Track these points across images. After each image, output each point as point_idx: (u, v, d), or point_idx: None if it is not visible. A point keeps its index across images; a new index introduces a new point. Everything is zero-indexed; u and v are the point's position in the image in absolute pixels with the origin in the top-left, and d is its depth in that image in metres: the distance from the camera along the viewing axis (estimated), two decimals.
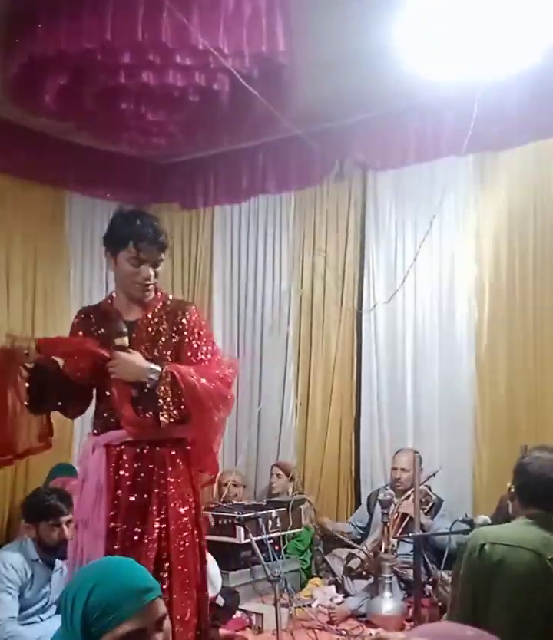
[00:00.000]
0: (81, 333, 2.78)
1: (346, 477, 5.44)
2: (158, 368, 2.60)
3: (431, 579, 4.10)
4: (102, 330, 2.73)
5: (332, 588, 4.55)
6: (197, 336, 2.76)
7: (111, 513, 2.62)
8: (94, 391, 2.82)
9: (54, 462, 5.53)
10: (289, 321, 5.76)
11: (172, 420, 2.59)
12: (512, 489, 2.56)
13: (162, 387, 2.58)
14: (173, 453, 2.70)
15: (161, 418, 2.58)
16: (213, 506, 4.67)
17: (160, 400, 2.57)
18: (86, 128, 4.63)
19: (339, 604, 4.32)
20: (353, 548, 4.65)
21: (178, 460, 2.71)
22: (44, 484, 4.49)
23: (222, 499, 5.13)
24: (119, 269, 2.75)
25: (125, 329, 2.65)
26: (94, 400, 2.86)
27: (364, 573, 4.49)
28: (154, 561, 2.58)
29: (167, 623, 1.69)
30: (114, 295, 2.84)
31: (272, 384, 5.81)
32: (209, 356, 2.77)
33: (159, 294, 2.81)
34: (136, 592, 1.63)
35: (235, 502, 5.02)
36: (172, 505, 2.65)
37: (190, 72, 3.69)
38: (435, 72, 3.55)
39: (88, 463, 2.71)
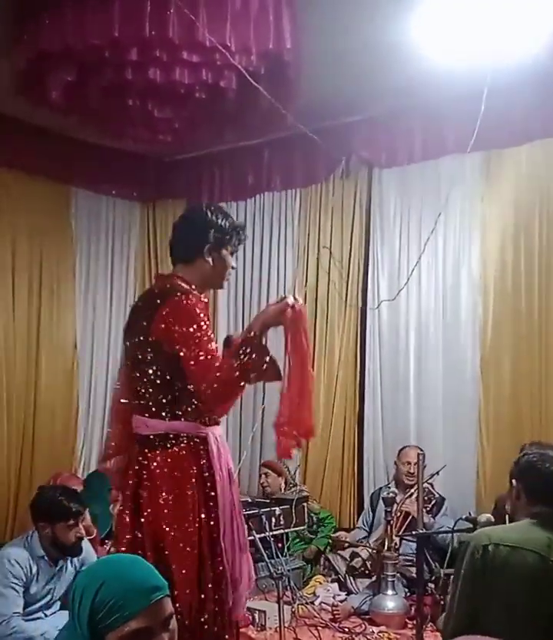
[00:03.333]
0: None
1: (349, 475, 5.45)
2: None
3: (433, 578, 4.10)
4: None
5: (335, 585, 4.56)
6: None
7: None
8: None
9: (55, 460, 5.57)
10: None
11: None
12: (516, 488, 2.55)
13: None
14: None
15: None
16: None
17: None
18: (92, 124, 4.61)
19: (341, 602, 4.33)
20: (357, 546, 4.66)
21: None
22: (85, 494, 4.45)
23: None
24: (219, 263, 2.76)
25: None
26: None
27: (367, 571, 4.51)
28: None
29: (173, 622, 1.70)
30: (189, 285, 2.71)
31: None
32: None
33: None
34: (143, 590, 1.64)
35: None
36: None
37: (197, 69, 3.68)
38: (442, 66, 3.53)
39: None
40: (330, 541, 4.99)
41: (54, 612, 3.62)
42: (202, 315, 2.56)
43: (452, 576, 2.68)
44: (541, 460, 2.49)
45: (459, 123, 4.74)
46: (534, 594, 2.29)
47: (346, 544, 4.77)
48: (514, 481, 2.53)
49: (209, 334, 2.53)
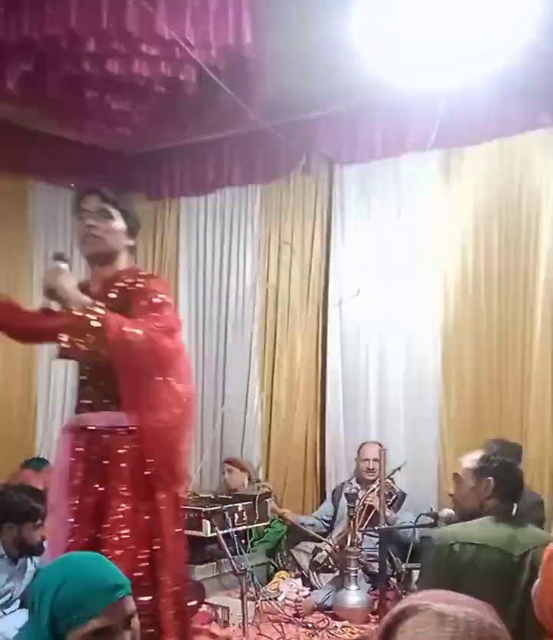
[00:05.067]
0: None
1: (312, 471, 5.45)
2: None
3: (395, 572, 4.13)
4: None
5: (299, 581, 4.57)
6: None
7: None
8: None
9: (12, 458, 5.47)
10: (254, 315, 5.74)
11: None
12: (489, 485, 2.57)
13: None
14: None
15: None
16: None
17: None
18: (51, 116, 4.56)
19: (305, 597, 4.34)
20: (319, 541, 4.67)
21: None
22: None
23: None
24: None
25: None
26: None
27: (330, 566, 4.52)
28: None
29: (135, 621, 1.68)
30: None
31: (236, 377, 5.79)
32: None
33: None
34: (105, 589, 1.62)
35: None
36: None
37: (156, 62, 3.66)
38: (396, 71, 3.53)
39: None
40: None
41: (13, 611, 3.57)
42: None
43: (418, 573, 2.70)
44: (514, 461, 2.64)
45: (420, 121, 4.76)
46: (502, 590, 2.34)
47: (316, 536, 4.75)
48: (490, 479, 2.56)
49: None
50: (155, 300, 2.60)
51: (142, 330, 2.45)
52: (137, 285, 2.66)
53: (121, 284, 2.71)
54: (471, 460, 2.68)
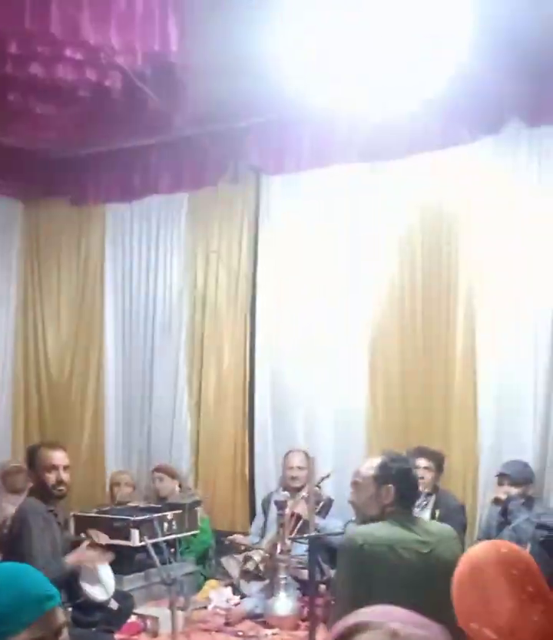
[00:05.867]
0: None
1: (240, 478, 5.45)
2: None
3: (325, 579, 4.14)
4: None
5: (229, 590, 4.56)
6: None
7: None
8: None
9: None
10: (182, 322, 5.71)
11: None
12: (388, 491, 2.63)
13: None
14: None
15: None
16: (107, 508, 4.59)
17: None
18: None
19: (235, 605, 4.33)
20: (249, 550, 4.65)
21: None
22: None
23: (115, 502, 5.04)
24: None
25: None
26: None
27: (260, 574, 4.51)
28: None
29: (65, 632, 1.65)
30: None
31: (164, 384, 5.75)
32: None
33: None
34: (35, 599, 1.59)
35: (130, 503, 4.94)
36: None
37: (81, 66, 3.61)
38: (317, 86, 3.56)
39: None
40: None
41: None
42: None
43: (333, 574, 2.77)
44: (411, 468, 2.74)
45: (346, 134, 4.82)
46: (415, 588, 2.41)
47: (243, 547, 4.75)
48: (390, 485, 2.63)
49: None
50: None
51: None
52: None
53: None
54: (369, 467, 2.74)
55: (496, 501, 4.18)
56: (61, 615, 1.65)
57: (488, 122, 4.56)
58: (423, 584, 2.43)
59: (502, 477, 4.28)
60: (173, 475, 5.24)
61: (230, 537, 4.94)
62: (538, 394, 4.48)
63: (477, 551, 1.90)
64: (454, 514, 4.32)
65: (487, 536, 4.25)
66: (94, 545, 3.74)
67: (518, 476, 4.25)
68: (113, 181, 5.92)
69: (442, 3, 2.90)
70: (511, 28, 3.84)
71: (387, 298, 4.97)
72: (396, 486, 2.64)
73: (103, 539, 3.83)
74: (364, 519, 2.74)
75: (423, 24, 2.94)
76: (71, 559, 3.57)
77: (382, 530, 2.56)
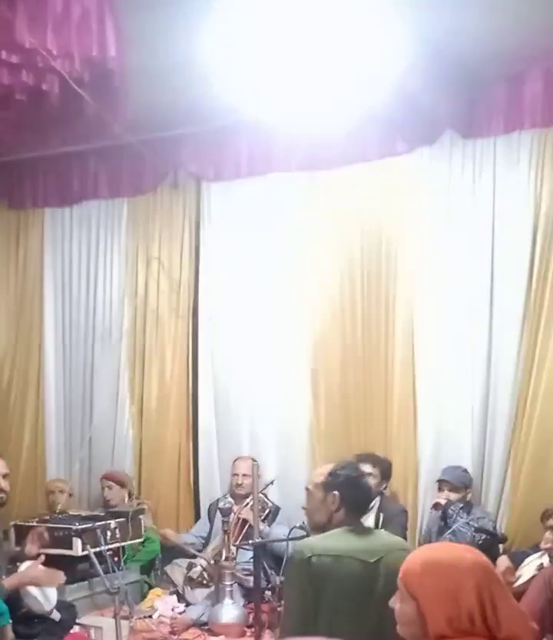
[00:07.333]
0: None
1: (185, 486, 5.42)
2: None
3: (270, 585, 4.14)
4: None
5: (174, 598, 4.52)
6: None
7: None
8: None
9: None
10: (122, 329, 5.65)
11: None
12: (335, 499, 2.65)
13: None
14: None
15: None
16: (47, 517, 4.51)
17: None
18: None
19: (180, 613, 4.31)
20: (194, 557, 4.63)
21: None
22: None
23: (54, 510, 4.96)
24: None
25: None
26: None
27: (205, 582, 4.49)
28: None
29: None
30: None
31: (106, 392, 5.67)
32: None
33: None
34: None
35: (70, 512, 4.87)
36: None
37: (17, 70, 3.55)
38: (271, 85, 3.57)
39: None
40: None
41: None
42: None
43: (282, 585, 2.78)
44: (360, 476, 2.75)
45: (284, 142, 4.85)
46: (360, 597, 2.47)
47: (192, 553, 4.71)
48: (336, 493, 2.65)
49: None
50: None
51: None
52: None
53: None
54: (319, 474, 2.79)
55: (436, 506, 4.25)
56: (10, 633, 1.62)
57: (424, 133, 4.64)
58: (369, 593, 2.46)
59: (442, 483, 4.37)
60: (122, 483, 5.19)
61: (163, 531, 4.92)
62: (475, 403, 4.57)
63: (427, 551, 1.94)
64: (395, 517, 4.38)
65: (427, 540, 4.34)
66: (44, 563, 3.64)
67: (457, 481, 4.34)
68: (51, 185, 5.83)
69: (380, 20, 2.93)
70: (446, 45, 3.92)
71: (328, 305, 5.01)
72: (343, 493, 2.67)
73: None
74: (314, 525, 2.78)
75: (362, 40, 2.97)
76: (12, 580, 3.46)
77: (329, 540, 2.59)
